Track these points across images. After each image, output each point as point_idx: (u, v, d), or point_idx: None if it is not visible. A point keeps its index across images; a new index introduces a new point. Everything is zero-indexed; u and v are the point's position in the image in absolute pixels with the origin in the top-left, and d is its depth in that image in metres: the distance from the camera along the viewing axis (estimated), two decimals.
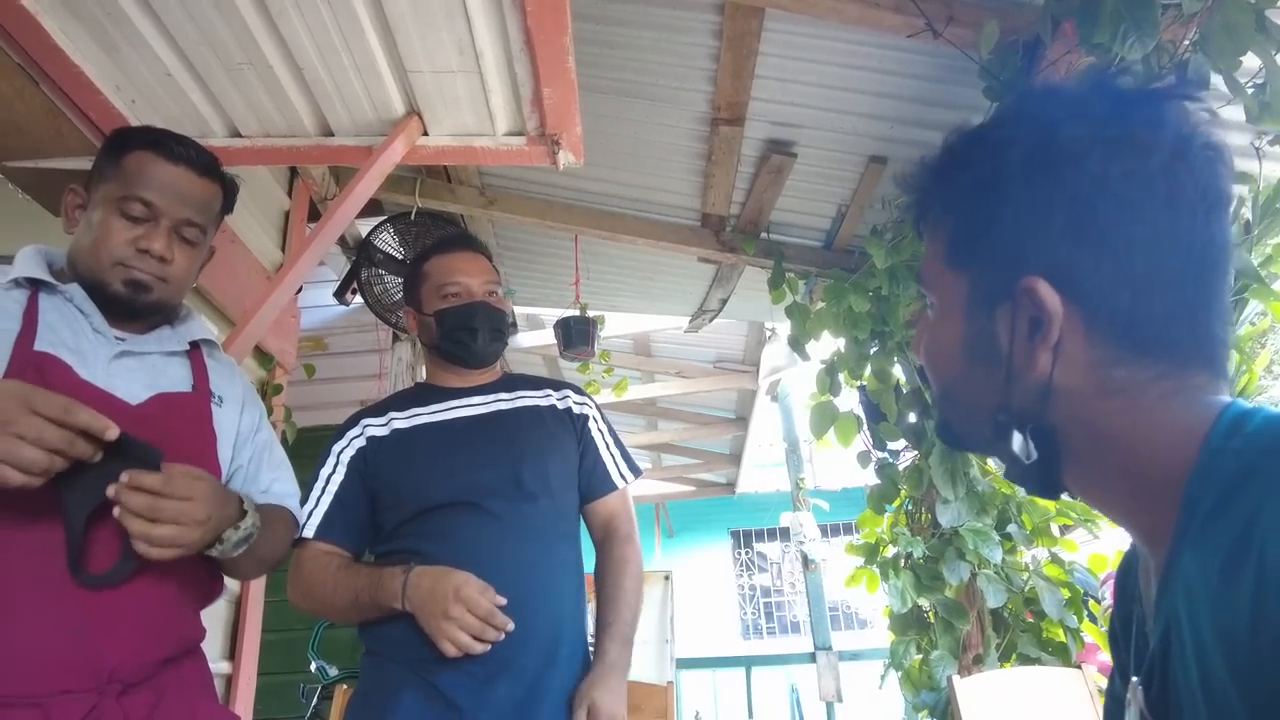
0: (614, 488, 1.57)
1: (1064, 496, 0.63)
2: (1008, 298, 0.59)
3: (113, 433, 0.95)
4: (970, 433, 0.67)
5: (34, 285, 1.12)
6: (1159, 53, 1.76)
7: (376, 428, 1.51)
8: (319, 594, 1.40)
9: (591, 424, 1.60)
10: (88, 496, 0.97)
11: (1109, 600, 2.95)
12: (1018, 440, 0.60)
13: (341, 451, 1.49)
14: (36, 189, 1.99)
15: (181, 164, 1.19)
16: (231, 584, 2.46)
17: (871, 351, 3.12)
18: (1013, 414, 0.60)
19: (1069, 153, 0.57)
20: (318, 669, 3.70)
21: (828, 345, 3.31)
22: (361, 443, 1.50)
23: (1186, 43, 1.82)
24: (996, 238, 0.61)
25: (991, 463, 2.86)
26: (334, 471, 1.47)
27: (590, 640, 1.48)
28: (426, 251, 1.66)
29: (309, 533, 1.41)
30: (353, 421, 1.54)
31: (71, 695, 0.94)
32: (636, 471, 1.62)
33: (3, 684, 0.92)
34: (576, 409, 1.60)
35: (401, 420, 1.52)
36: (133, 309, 1.17)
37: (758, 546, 10.54)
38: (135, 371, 1.15)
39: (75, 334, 1.10)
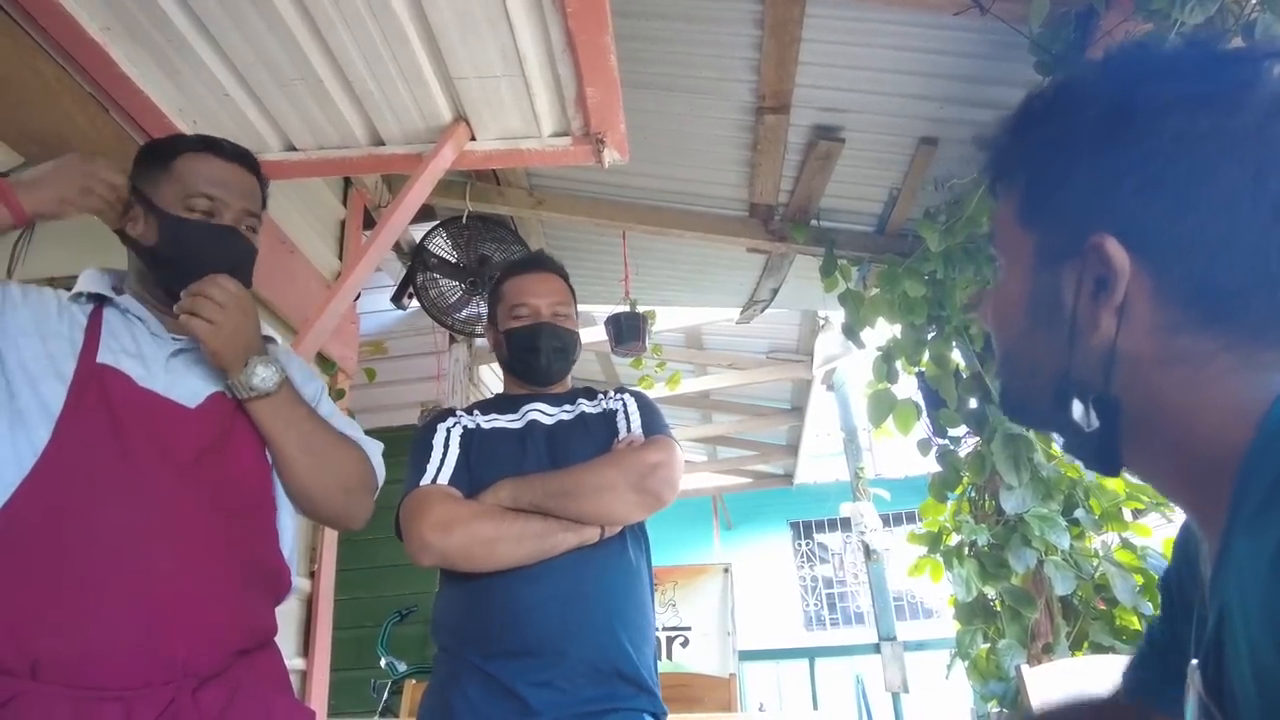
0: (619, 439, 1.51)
1: (1124, 474, 0.61)
2: (1075, 256, 0.57)
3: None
4: (1030, 401, 0.65)
5: (97, 301, 1.18)
6: (1223, 15, 1.69)
7: (468, 421, 1.55)
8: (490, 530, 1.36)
9: (620, 417, 1.57)
10: None
11: None
12: (1078, 409, 0.58)
13: (450, 430, 1.52)
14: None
15: (234, 161, 1.24)
16: (302, 583, 2.55)
17: (929, 337, 3.06)
18: (1074, 381, 0.58)
19: (1150, 107, 0.55)
20: (387, 665, 3.81)
21: (883, 332, 3.26)
22: (464, 426, 1.53)
23: (1253, 1, 1.74)
24: (1068, 194, 0.59)
25: (1053, 447, 2.79)
26: (448, 440, 1.49)
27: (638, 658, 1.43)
28: (507, 271, 1.71)
29: (444, 480, 1.42)
30: (445, 414, 1.57)
31: (151, 689, 0.98)
32: (655, 431, 1.53)
33: (88, 676, 0.96)
34: (611, 405, 1.60)
35: (484, 421, 1.56)
36: None
37: (818, 537, 10.43)
38: (194, 367, 1.20)
39: (135, 340, 1.17)
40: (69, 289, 1.19)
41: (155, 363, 1.16)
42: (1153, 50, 0.59)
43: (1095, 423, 0.57)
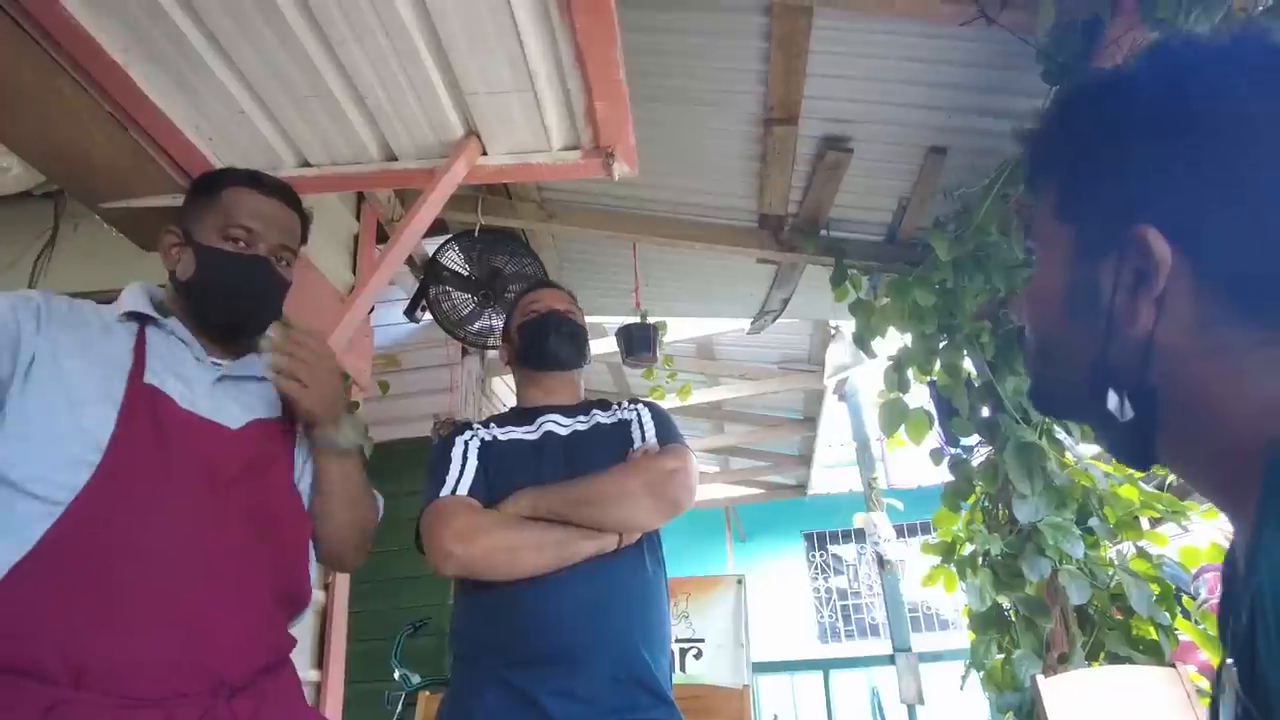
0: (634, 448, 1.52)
1: (1154, 469, 0.60)
2: (1115, 248, 0.56)
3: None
4: (1063, 392, 0.64)
5: (140, 320, 1.21)
6: (1228, 23, 1.69)
7: (484, 433, 1.58)
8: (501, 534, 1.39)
9: (634, 427, 1.59)
10: None
11: (1204, 595, 2.81)
12: (1113, 400, 0.57)
13: (468, 442, 1.55)
14: (127, 227, 2.12)
15: (274, 196, 1.31)
16: (317, 596, 2.57)
17: (940, 345, 3.05)
18: (1110, 373, 0.57)
19: (1201, 94, 0.54)
20: (401, 677, 3.80)
21: (894, 341, 3.26)
22: (481, 439, 1.56)
23: (1261, 9, 1.74)
24: (1109, 185, 0.58)
25: (1066, 455, 2.77)
26: (465, 452, 1.52)
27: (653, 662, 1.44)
28: (519, 293, 1.82)
29: (463, 491, 1.44)
30: (462, 427, 1.60)
31: (188, 699, 1.01)
32: (670, 440, 1.55)
33: (128, 686, 0.98)
34: (625, 416, 1.62)
35: (500, 433, 1.59)
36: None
37: (832, 549, 10.37)
38: (233, 395, 1.24)
39: (180, 363, 1.20)
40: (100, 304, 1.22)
41: (199, 385, 1.20)
42: (1201, 40, 0.59)
43: (1130, 414, 0.57)
